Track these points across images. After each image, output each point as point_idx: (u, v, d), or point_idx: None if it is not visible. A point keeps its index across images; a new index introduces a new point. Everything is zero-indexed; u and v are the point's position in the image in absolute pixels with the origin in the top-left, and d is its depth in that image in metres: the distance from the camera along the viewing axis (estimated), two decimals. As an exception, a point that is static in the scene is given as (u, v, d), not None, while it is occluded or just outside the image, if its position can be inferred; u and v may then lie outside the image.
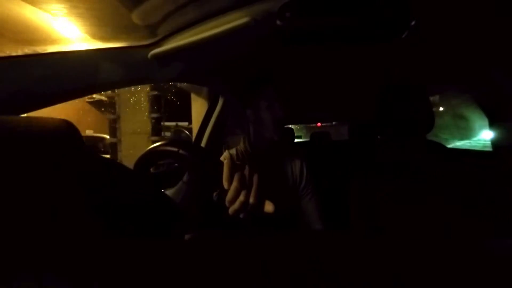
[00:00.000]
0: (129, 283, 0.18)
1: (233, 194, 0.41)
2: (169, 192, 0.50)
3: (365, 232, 0.72)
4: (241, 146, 1.04)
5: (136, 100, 6.30)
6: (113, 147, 6.31)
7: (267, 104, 0.95)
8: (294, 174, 1.00)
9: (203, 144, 1.50)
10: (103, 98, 8.08)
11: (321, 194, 1.01)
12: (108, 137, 6.67)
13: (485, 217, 0.62)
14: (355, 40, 0.81)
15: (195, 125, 2.61)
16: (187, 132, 1.60)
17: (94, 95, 8.15)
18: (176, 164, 1.18)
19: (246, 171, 0.43)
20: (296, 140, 3.03)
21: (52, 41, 0.61)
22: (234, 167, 0.43)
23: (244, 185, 0.41)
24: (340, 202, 0.96)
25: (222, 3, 0.64)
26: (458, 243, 0.26)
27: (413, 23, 0.65)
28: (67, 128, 0.27)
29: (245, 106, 1.01)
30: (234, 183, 0.41)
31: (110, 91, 6.19)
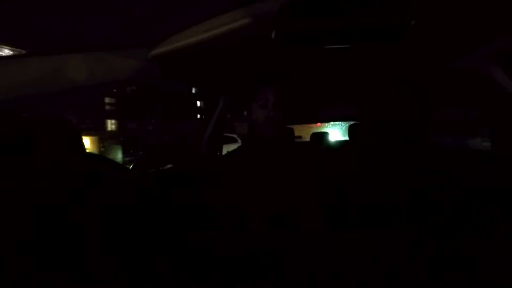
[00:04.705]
0: (128, 283, 0.18)
1: None
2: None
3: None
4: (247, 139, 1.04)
5: None
6: None
7: (264, 104, 0.95)
8: (296, 172, 1.01)
9: (203, 143, 1.50)
10: None
11: (321, 193, 1.03)
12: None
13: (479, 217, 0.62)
14: (355, 41, 0.81)
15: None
16: None
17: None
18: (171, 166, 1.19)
19: None
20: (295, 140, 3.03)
21: (52, 41, 0.61)
22: None
23: None
24: (339, 200, 0.96)
25: (222, 3, 0.64)
26: (453, 241, 0.26)
27: (413, 23, 0.65)
28: (67, 128, 0.27)
29: (244, 105, 1.01)
30: None
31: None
